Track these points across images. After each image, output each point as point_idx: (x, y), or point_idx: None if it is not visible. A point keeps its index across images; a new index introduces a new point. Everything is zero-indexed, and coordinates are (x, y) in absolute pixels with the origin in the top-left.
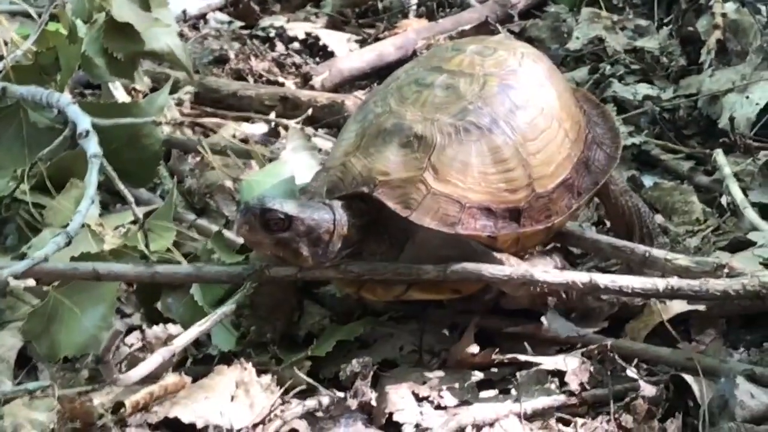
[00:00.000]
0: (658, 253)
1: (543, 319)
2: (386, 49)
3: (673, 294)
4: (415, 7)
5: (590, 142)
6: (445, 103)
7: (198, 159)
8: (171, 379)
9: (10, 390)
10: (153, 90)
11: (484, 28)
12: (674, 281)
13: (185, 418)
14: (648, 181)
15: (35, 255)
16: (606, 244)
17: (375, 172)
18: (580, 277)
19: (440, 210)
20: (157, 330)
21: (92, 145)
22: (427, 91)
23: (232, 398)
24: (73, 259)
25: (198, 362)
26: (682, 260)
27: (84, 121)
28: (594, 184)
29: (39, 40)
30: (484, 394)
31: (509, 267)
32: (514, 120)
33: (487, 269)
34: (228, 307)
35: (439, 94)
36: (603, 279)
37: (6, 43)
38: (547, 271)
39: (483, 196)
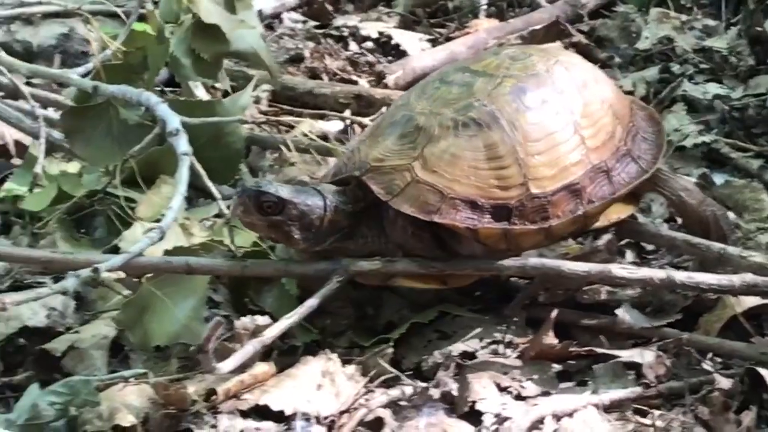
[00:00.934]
0: (733, 250)
1: (618, 312)
2: (458, 48)
3: (748, 290)
4: (485, 7)
5: (622, 155)
6: (455, 99)
7: (276, 155)
8: (260, 368)
9: (107, 377)
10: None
11: (554, 28)
12: (749, 278)
13: (274, 406)
14: (718, 178)
15: (131, 249)
16: (681, 242)
17: (371, 158)
18: (657, 273)
19: (421, 197)
20: (245, 321)
21: (182, 144)
22: (444, 87)
23: (319, 387)
24: (166, 252)
25: (284, 353)
26: (757, 257)
27: (174, 120)
28: (611, 194)
29: (126, 39)
30: (562, 385)
31: (588, 264)
32: (519, 119)
33: (566, 265)
34: (314, 300)
35: (454, 90)
36: (680, 276)
37: (95, 41)
38: (625, 267)
39: (470, 189)
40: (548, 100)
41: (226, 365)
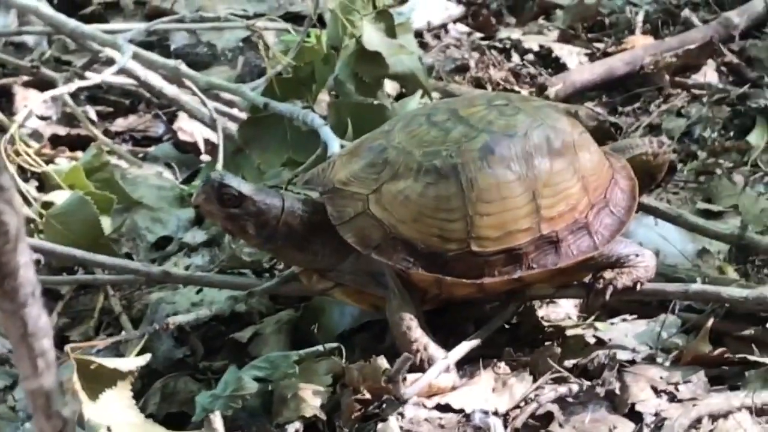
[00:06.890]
0: None
1: None
2: (615, 63)
3: None
4: (641, 24)
5: (579, 227)
6: (429, 142)
7: None
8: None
9: (305, 351)
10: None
11: (707, 48)
12: None
13: (455, 405)
14: None
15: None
16: None
17: (337, 179)
18: None
19: (366, 230)
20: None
21: None
22: (426, 126)
23: (493, 390)
24: None
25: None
26: None
27: (334, 144)
28: (554, 264)
29: (297, 54)
30: (714, 390)
31: (746, 290)
32: (478, 178)
33: (726, 291)
34: (495, 323)
35: (432, 133)
36: None
37: (269, 57)
38: None
39: (413, 234)
40: (514, 164)
41: (413, 389)
